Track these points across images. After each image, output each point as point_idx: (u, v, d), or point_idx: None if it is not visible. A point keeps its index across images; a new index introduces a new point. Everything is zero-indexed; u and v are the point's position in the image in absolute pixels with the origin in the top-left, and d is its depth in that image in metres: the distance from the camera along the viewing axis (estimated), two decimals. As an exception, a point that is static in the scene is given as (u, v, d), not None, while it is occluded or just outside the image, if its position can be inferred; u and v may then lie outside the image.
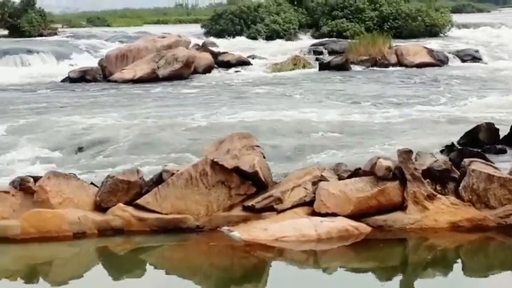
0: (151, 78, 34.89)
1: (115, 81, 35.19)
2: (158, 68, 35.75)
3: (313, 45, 47.17)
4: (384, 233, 11.34)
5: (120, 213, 10.59)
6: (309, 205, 11.41)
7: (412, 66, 38.13)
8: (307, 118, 20.09)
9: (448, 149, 14.82)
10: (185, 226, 10.97)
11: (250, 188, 11.36)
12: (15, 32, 74.57)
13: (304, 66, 38.86)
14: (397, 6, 57.21)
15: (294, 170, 12.74)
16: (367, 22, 56.30)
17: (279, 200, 11.26)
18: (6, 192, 10.00)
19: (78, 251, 10.73)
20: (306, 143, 16.59)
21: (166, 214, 10.84)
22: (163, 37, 40.77)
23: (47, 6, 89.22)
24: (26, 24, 74.61)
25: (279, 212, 11.17)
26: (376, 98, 25.84)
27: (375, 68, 38.21)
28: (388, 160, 11.61)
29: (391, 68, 38.16)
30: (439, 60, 39.42)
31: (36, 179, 10.36)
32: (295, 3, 62.03)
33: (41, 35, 72.13)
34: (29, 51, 49.57)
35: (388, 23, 55.87)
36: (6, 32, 76.46)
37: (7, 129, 19.33)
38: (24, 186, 10.10)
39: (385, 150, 15.24)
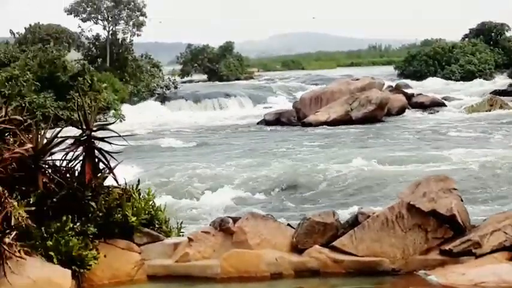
0: (345, 120, 35.07)
1: (309, 124, 35.65)
2: (351, 110, 35.92)
3: (510, 85, 45.73)
4: None
5: (317, 254, 10.61)
6: (509, 250, 10.95)
7: None
8: (508, 161, 19.30)
9: None
10: (381, 269, 10.82)
11: (447, 232, 11.07)
12: (214, 76, 77.69)
13: (501, 107, 37.68)
14: None
15: (492, 213, 12.31)
16: None
17: (478, 245, 10.88)
18: (207, 232, 10.32)
19: (276, 291, 10.88)
20: (506, 187, 15.98)
21: (362, 256, 10.76)
22: (357, 79, 41.02)
23: (244, 51, 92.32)
24: (224, 69, 77.58)
25: (477, 256, 10.80)
26: None
27: None
28: None
29: None
30: None
31: (235, 219, 10.63)
32: (491, 43, 60.48)
33: (238, 79, 74.71)
34: (227, 95, 51.49)
35: None
36: (205, 77, 79.81)
37: (207, 168, 20.00)
38: (224, 227, 10.38)
39: None
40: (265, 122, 37.49)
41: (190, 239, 9.63)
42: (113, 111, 42.74)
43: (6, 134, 8.40)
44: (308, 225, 10.92)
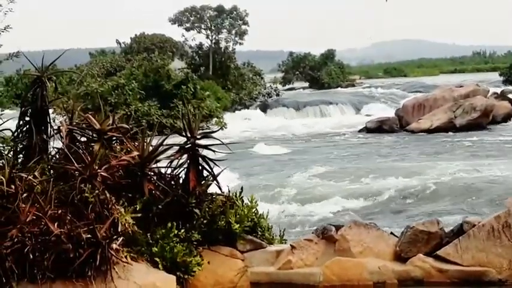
0: (448, 128, 34.50)
1: (411, 131, 35.25)
2: (455, 117, 35.29)
3: None
4: None
5: (420, 263, 10.46)
6: None
7: None
8: None
9: None
10: (487, 279, 10.57)
11: (557, 243, 10.74)
12: (315, 84, 77.70)
13: None
14: None
15: None
16: None
17: None
18: (310, 240, 10.32)
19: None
20: None
21: (467, 266, 10.55)
22: (461, 86, 40.28)
23: (345, 59, 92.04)
24: (325, 77, 77.52)
25: None
26: None
27: None
28: None
29: None
30: None
31: (338, 227, 10.59)
32: None
33: (339, 87, 74.49)
34: (328, 102, 51.41)
35: None
36: (306, 84, 79.93)
37: (309, 176, 20.03)
38: (326, 235, 10.36)
39: None
40: (367, 130, 37.28)
41: (292, 247, 9.64)
42: (216, 119, 43.30)
43: (114, 142, 8.62)
44: (412, 233, 10.78)
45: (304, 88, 76.57)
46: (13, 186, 7.32)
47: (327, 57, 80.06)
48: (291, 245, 9.68)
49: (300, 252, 9.87)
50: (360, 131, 37.59)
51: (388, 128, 36.82)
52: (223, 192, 8.97)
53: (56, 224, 7.12)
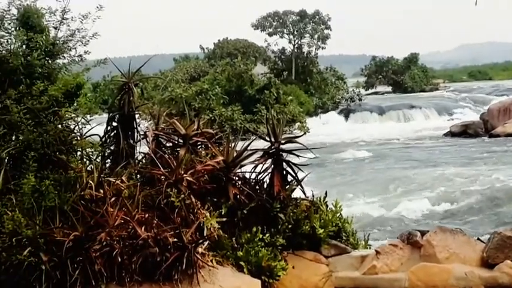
0: (536, 132, 33.76)
1: (497, 135, 34.55)
2: (543, 121, 34.49)
3: None
4: None
5: (508, 270, 10.24)
6: None
7: None
8: None
9: None
10: None
11: None
12: (398, 88, 76.98)
13: None
14: None
15: None
16: None
17: None
18: (395, 245, 10.22)
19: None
20: None
21: (555, 274, 10.29)
22: (549, 88, 39.39)
23: (428, 63, 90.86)
24: (408, 81, 76.68)
25: None
26: None
27: None
28: None
29: None
30: None
31: (423, 233, 10.47)
32: None
33: (422, 91, 73.61)
34: (412, 107, 50.84)
35: None
36: (389, 89, 79.26)
37: (392, 182, 19.83)
38: (411, 240, 10.24)
39: None
40: (451, 134, 36.73)
41: (377, 252, 9.57)
42: (298, 123, 43.29)
43: (199, 147, 8.71)
44: (499, 240, 10.57)
45: (387, 92, 75.92)
46: (101, 191, 7.49)
47: (410, 60, 79.17)
48: (375, 250, 9.61)
49: (385, 258, 9.78)
50: (445, 135, 37.06)
51: (472, 132, 36.18)
52: (308, 197, 8.97)
53: (143, 228, 7.24)
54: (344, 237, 9.36)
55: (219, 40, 64.64)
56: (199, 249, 7.44)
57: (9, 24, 8.29)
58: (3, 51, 8.18)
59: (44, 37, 8.26)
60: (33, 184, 7.25)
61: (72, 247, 6.99)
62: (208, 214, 7.77)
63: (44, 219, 7.17)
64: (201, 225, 7.59)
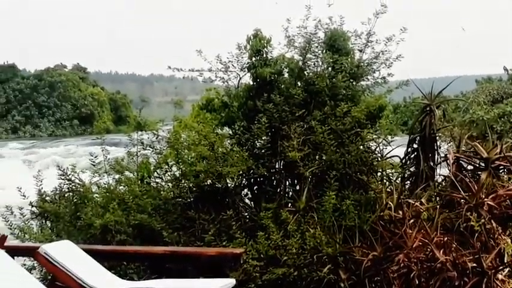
0: None
1: None
2: None
3: None
4: None
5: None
6: None
7: None
8: None
9: None
10: None
11: None
12: None
13: None
14: None
15: None
16: None
17: None
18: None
19: None
20: None
21: None
22: None
23: None
24: None
25: None
26: None
27: None
28: None
29: None
30: None
31: None
32: None
33: None
34: None
35: None
36: None
37: None
38: None
39: None
40: None
41: None
42: None
43: (501, 171, 8.45)
44: None
45: None
46: (400, 212, 7.54)
47: None
48: None
49: None
50: None
51: None
52: None
53: (441, 251, 7.18)
54: None
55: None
56: (499, 276, 7.22)
57: (317, 47, 8.68)
58: (310, 73, 8.58)
59: (349, 59, 8.54)
60: (334, 203, 7.50)
61: (370, 266, 7.12)
62: (509, 240, 7.52)
63: (344, 238, 7.38)
64: (502, 251, 7.36)
